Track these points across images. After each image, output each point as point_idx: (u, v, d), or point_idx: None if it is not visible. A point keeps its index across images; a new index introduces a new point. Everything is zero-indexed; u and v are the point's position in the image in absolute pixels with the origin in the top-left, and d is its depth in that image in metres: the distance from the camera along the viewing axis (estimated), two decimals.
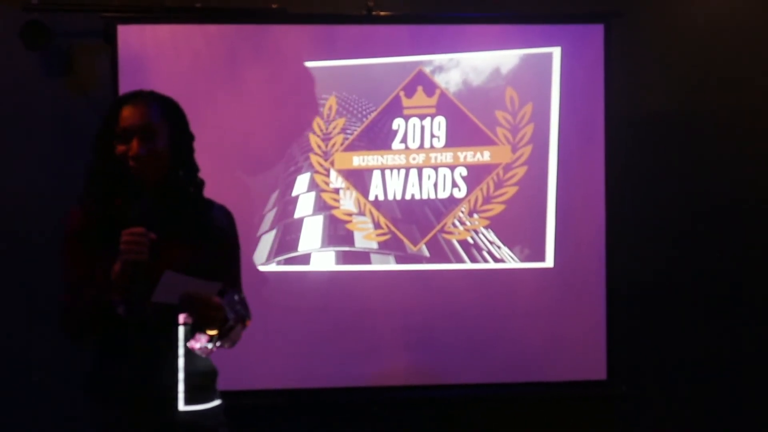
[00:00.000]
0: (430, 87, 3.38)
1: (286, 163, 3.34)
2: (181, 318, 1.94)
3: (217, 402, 2.05)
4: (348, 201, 3.37)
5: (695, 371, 3.67)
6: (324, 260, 3.34)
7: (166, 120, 2.01)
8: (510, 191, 3.41)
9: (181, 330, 1.95)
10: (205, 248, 2.02)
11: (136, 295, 1.87)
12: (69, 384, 3.47)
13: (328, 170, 3.36)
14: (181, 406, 1.95)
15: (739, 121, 3.69)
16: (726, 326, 3.68)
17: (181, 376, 1.95)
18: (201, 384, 1.99)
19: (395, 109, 3.37)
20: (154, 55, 3.26)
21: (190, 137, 2.08)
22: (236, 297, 1.99)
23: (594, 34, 3.42)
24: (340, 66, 3.34)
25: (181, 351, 1.95)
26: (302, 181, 3.35)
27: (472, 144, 3.40)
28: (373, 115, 3.36)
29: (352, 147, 3.36)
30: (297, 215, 3.33)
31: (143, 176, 1.96)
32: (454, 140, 3.39)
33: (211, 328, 1.91)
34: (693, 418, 3.68)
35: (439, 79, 3.38)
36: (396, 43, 3.38)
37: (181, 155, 2.04)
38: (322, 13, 3.46)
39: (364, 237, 3.37)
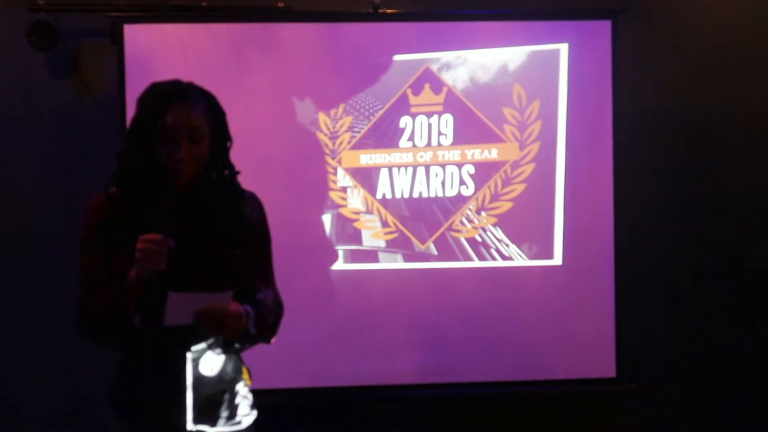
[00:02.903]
0: (437, 84, 3.36)
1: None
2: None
3: (234, 427, 1.99)
4: (355, 199, 3.36)
5: (705, 369, 3.66)
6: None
7: (209, 119, 1.96)
8: (518, 188, 3.40)
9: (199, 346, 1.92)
10: (235, 243, 1.98)
11: (152, 305, 1.80)
12: (73, 383, 3.49)
13: (335, 168, 3.35)
14: (190, 426, 1.91)
15: (748, 116, 3.67)
16: (736, 323, 3.67)
17: (189, 395, 1.90)
18: (210, 405, 1.95)
19: (402, 107, 3.35)
20: (160, 55, 3.25)
21: (228, 136, 2.02)
22: (255, 309, 1.95)
23: (601, 30, 3.40)
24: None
25: (190, 374, 1.90)
26: None
27: (479, 141, 3.38)
28: (380, 113, 3.35)
29: (360, 145, 3.35)
30: None
31: (179, 177, 1.91)
32: (461, 138, 3.38)
33: (232, 337, 1.89)
34: (703, 415, 3.66)
35: (447, 77, 3.36)
36: (403, 41, 3.37)
37: (218, 154, 1.99)
38: (329, 11, 3.46)
39: (372, 235, 3.36)
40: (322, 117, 3.33)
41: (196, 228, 1.93)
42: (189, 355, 1.90)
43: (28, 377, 3.49)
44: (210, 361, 1.94)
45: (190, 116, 1.90)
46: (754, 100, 3.68)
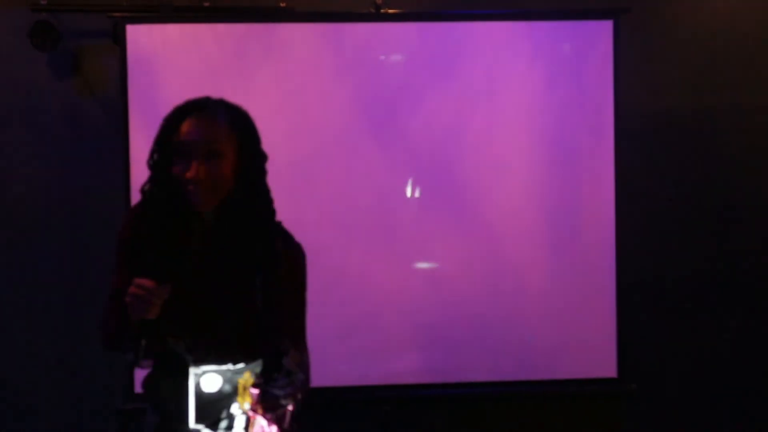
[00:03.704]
0: (436, 84, 3.36)
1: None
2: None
3: None
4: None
5: (705, 369, 3.66)
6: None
7: (234, 136, 1.79)
8: (518, 188, 3.40)
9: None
10: (255, 290, 1.82)
11: (142, 349, 1.73)
12: (76, 383, 3.50)
13: (336, 168, 3.35)
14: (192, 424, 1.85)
15: (750, 117, 3.67)
16: (737, 324, 3.67)
17: (192, 407, 1.85)
18: (210, 416, 1.90)
19: (403, 105, 3.35)
20: (162, 55, 3.26)
21: (261, 157, 1.85)
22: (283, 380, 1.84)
23: (603, 30, 3.40)
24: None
25: (193, 389, 1.86)
26: None
27: (478, 141, 3.38)
28: (381, 112, 3.35)
29: (359, 145, 3.35)
30: None
31: (199, 202, 1.77)
32: (461, 137, 3.38)
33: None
34: (703, 415, 3.66)
35: (447, 77, 3.36)
36: (404, 41, 3.37)
37: (247, 178, 1.80)
38: (330, 11, 3.46)
39: None
40: (323, 117, 3.33)
41: (209, 267, 1.80)
42: (192, 372, 1.88)
43: (28, 378, 3.50)
44: (211, 380, 1.93)
45: (205, 129, 1.75)
46: (755, 99, 3.68)
